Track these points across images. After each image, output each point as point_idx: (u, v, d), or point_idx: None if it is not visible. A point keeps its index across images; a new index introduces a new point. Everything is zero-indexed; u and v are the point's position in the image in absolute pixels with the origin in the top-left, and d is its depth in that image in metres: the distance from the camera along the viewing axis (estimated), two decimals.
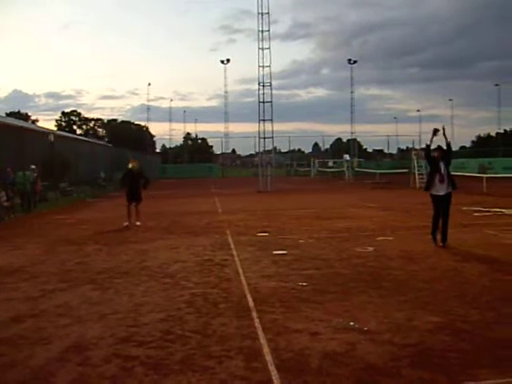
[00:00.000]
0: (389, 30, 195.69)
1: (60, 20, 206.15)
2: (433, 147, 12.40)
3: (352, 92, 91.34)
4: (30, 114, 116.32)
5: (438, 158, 12.12)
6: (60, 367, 5.45)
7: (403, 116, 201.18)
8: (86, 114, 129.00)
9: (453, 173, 12.29)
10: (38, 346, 6.15)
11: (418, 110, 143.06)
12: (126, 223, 17.14)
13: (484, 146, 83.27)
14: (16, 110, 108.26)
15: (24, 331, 6.71)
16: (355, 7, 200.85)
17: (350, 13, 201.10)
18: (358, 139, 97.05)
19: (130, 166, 18.11)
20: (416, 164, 37.54)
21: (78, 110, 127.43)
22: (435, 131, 12.18)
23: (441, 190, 11.99)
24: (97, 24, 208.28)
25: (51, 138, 30.51)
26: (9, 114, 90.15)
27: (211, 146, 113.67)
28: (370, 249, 11.89)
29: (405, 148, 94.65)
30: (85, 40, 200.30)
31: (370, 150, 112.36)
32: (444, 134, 12.25)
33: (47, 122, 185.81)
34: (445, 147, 12.26)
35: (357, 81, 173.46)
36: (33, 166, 24.83)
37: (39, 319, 7.23)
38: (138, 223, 17.39)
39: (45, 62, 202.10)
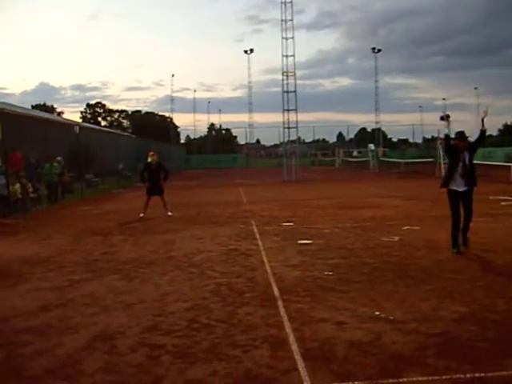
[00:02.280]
0: (415, 18, 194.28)
1: (86, 12, 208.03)
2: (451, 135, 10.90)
3: (376, 81, 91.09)
4: (55, 106, 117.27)
5: (462, 147, 10.27)
6: (87, 356, 5.51)
7: (428, 105, 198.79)
8: (111, 106, 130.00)
9: (478, 162, 11.29)
10: (65, 334, 6.22)
11: (444, 99, 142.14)
12: (141, 214, 17.18)
13: (511, 135, 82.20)
14: (42, 103, 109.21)
15: (52, 320, 6.79)
16: None
17: (375, 1, 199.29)
18: (383, 129, 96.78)
19: (149, 159, 18.13)
20: (441, 153, 37.21)
21: (104, 102, 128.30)
22: (445, 117, 10.97)
23: (461, 185, 10.22)
24: (123, 15, 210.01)
25: (77, 129, 30.68)
26: (34, 107, 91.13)
27: (235, 137, 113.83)
28: (396, 238, 11.83)
29: (430, 137, 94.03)
30: (111, 32, 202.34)
31: (394, 139, 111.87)
32: (483, 119, 10.44)
33: (72, 114, 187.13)
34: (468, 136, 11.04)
35: (382, 70, 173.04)
36: (59, 158, 25.05)
37: (66, 308, 7.32)
38: (169, 213, 17.51)
39: (71, 55, 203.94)
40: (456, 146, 10.31)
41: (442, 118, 11.07)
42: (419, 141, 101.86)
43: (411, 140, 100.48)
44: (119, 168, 39.49)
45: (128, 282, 8.65)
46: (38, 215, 19.68)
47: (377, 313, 6.53)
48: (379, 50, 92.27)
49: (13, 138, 20.33)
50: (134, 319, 6.67)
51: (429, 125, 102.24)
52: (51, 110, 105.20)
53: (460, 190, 10.26)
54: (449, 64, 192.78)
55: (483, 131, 10.53)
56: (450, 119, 11.00)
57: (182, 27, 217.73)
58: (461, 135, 10.29)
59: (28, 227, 16.10)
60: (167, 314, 6.82)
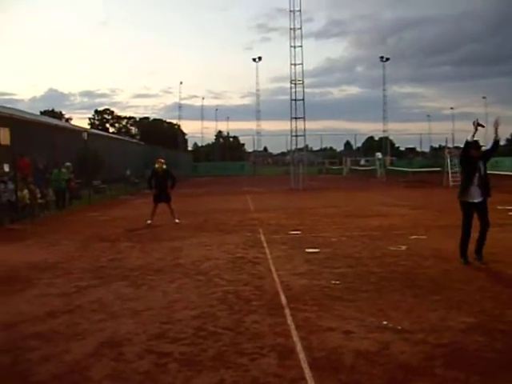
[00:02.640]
0: (423, 27, 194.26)
1: (97, 18, 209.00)
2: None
3: (384, 90, 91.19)
4: (63, 112, 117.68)
5: (477, 156, 9.97)
6: (94, 362, 5.51)
7: (436, 114, 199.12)
8: (119, 113, 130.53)
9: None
10: (72, 340, 6.23)
11: (452, 108, 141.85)
12: (148, 221, 17.20)
13: None
14: (50, 109, 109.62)
15: (59, 326, 6.80)
16: (391, 5, 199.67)
17: (385, 11, 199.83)
18: (391, 137, 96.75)
19: (156, 165, 18.17)
20: (449, 162, 37.17)
21: (112, 109, 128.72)
22: (478, 125, 10.15)
23: (477, 195, 9.90)
24: (133, 22, 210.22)
25: (85, 136, 30.79)
26: (43, 113, 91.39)
27: (243, 144, 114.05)
28: (403, 247, 11.81)
29: (437, 146, 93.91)
30: (121, 39, 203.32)
31: (402, 148, 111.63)
32: (496, 128, 10.15)
33: (81, 120, 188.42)
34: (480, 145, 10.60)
35: (390, 79, 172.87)
36: (68, 164, 25.13)
37: (74, 315, 7.32)
38: (176, 221, 17.48)
39: (81, 61, 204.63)
40: (472, 155, 9.99)
41: (479, 125, 10.24)
42: (427, 150, 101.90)
43: (419, 149, 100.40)
44: (126, 174, 39.57)
45: (135, 289, 8.65)
46: (45, 221, 19.73)
47: (384, 322, 6.51)
48: (387, 59, 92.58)
49: (21, 144, 20.41)
50: (141, 326, 6.66)
51: (436, 134, 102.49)
52: (59, 116, 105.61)
53: (476, 201, 9.94)
54: (457, 73, 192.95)
55: (497, 141, 10.28)
56: (479, 129, 10.17)
57: (191, 35, 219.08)
58: (475, 144, 10.02)
59: (36, 233, 16.14)
60: (174, 322, 6.81)
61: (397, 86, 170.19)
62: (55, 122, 46.68)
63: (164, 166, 18.10)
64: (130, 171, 40.74)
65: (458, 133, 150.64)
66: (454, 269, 9.56)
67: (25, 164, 21.32)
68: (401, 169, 52.17)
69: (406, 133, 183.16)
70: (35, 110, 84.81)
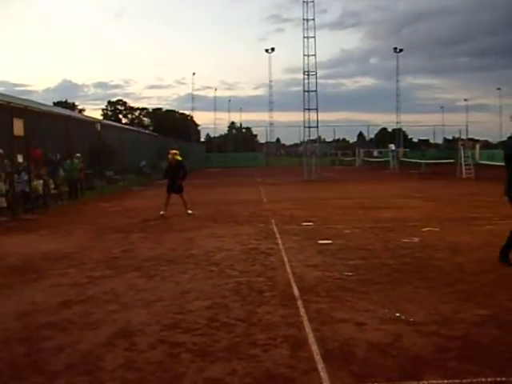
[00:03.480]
0: (439, 18, 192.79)
1: (111, 10, 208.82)
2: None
3: (398, 81, 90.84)
4: (76, 103, 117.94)
5: None
6: (108, 352, 5.54)
7: (450, 105, 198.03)
8: (133, 104, 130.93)
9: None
10: (86, 330, 6.26)
11: (466, 100, 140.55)
12: (162, 212, 17.25)
13: None
14: (63, 100, 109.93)
15: (72, 316, 6.83)
16: None
17: (399, 1, 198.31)
18: (404, 129, 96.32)
19: (170, 156, 18.22)
20: (463, 154, 37.03)
21: (125, 100, 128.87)
22: None
23: None
24: (146, 14, 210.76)
25: (98, 127, 30.84)
26: (56, 104, 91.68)
27: (256, 135, 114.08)
28: (416, 239, 11.77)
29: (451, 138, 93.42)
30: (135, 30, 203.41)
31: (415, 139, 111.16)
32: None
33: (94, 111, 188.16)
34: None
35: (405, 70, 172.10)
36: (78, 154, 25.20)
37: (87, 305, 7.35)
38: (189, 211, 17.50)
39: (94, 53, 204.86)
40: None
41: None
42: (440, 141, 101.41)
43: (432, 141, 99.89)
44: (141, 165, 39.66)
45: (148, 280, 8.68)
46: (58, 211, 19.83)
47: (397, 314, 6.50)
48: (401, 50, 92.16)
49: (35, 135, 20.47)
50: (153, 317, 6.69)
51: (450, 125, 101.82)
52: (72, 107, 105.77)
53: None
54: (471, 64, 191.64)
55: None
56: None
57: (205, 26, 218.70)
58: None
59: (49, 223, 16.23)
60: (187, 312, 6.83)
61: (411, 77, 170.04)
62: (68, 112, 46.77)
63: (178, 157, 18.11)
64: (145, 162, 40.87)
65: (472, 125, 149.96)
66: (467, 261, 9.53)
67: (36, 154, 21.41)
68: (414, 160, 51.92)
69: (419, 124, 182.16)
70: (49, 101, 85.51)
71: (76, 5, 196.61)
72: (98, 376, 4.96)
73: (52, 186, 21.65)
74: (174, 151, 18.43)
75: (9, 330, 6.30)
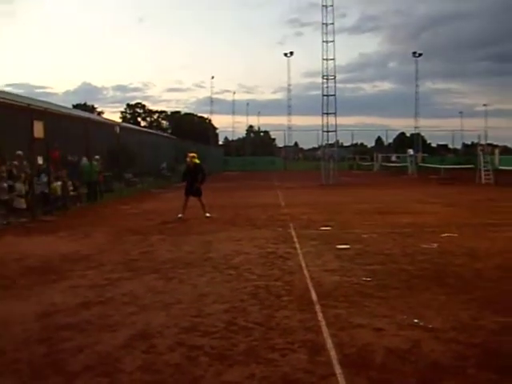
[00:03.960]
0: (458, 22, 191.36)
1: (131, 15, 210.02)
2: None
3: (417, 85, 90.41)
4: (96, 106, 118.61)
5: None
6: (126, 354, 5.57)
7: (469, 110, 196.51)
8: (151, 107, 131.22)
9: None
10: (104, 332, 6.30)
11: (485, 105, 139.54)
12: (180, 215, 17.27)
13: None
14: (83, 102, 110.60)
15: (91, 317, 6.87)
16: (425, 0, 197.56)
17: (419, 5, 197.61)
18: (422, 134, 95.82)
19: (187, 159, 18.27)
20: (482, 159, 36.82)
21: (144, 103, 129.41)
22: None
23: None
24: (166, 18, 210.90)
25: (117, 129, 30.99)
26: (75, 106, 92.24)
27: (274, 139, 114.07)
28: (435, 245, 11.72)
29: (470, 143, 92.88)
30: (154, 34, 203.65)
31: (434, 144, 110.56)
32: None
33: (113, 114, 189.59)
34: None
35: (424, 74, 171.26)
36: (97, 157, 25.34)
37: (106, 306, 7.40)
38: (207, 215, 17.48)
39: (114, 55, 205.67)
40: None
41: None
42: (459, 147, 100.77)
43: (451, 146, 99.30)
44: (162, 167, 39.80)
45: (166, 282, 8.71)
46: (77, 213, 19.95)
47: (416, 320, 6.48)
48: (420, 55, 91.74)
49: (55, 137, 20.62)
50: (172, 319, 6.71)
51: (469, 131, 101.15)
52: (91, 109, 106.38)
53: None
54: (491, 69, 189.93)
55: None
56: None
57: (224, 30, 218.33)
58: None
59: (68, 225, 16.32)
60: (205, 315, 6.84)
61: (430, 82, 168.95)
62: (88, 115, 47.05)
63: (196, 160, 18.16)
64: (165, 164, 41.03)
65: (491, 130, 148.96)
66: (486, 267, 9.47)
67: (55, 156, 21.55)
68: (432, 165, 51.67)
69: (438, 129, 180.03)
70: (68, 104, 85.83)
71: (98, 9, 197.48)
72: (117, 377, 4.99)
73: (71, 188, 21.77)
74: (192, 154, 18.47)
75: (29, 331, 6.35)
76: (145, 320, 6.72)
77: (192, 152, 19.35)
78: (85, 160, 24.55)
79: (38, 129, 18.20)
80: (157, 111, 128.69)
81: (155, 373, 5.07)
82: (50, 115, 21.00)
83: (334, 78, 39.20)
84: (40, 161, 20.01)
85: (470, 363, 5.16)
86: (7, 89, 76.51)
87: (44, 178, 19.30)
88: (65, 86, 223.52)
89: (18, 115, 20.24)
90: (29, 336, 6.17)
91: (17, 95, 34.76)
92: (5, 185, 17.04)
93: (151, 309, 7.24)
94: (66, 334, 6.23)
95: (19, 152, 19.24)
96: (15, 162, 18.74)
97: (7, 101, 22.92)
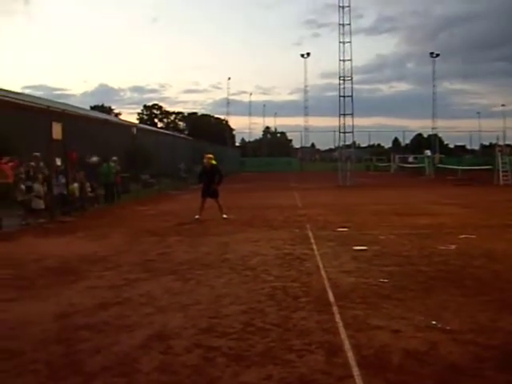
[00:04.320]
0: (476, 22, 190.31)
1: (147, 16, 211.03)
2: None
3: (434, 86, 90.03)
4: (113, 107, 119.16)
5: None
6: (143, 354, 5.58)
7: (487, 111, 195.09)
8: (168, 108, 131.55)
9: None
10: (122, 332, 6.32)
11: (503, 105, 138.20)
12: (197, 216, 17.31)
13: None
14: (100, 104, 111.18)
15: (109, 318, 6.90)
16: (442, 0, 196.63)
17: (436, 6, 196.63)
18: (440, 135, 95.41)
19: (204, 161, 18.32)
20: (500, 160, 36.57)
21: (160, 104, 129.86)
22: None
23: None
24: (182, 19, 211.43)
25: (134, 131, 31.11)
26: (93, 108, 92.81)
27: (290, 140, 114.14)
28: (452, 247, 11.66)
29: (488, 144, 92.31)
30: (171, 35, 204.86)
31: (451, 145, 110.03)
32: None
33: (130, 115, 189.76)
34: None
35: (441, 75, 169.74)
36: (114, 158, 25.45)
37: (123, 307, 7.43)
38: (224, 216, 17.52)
39: (131, 57, 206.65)
40: None
41: None
42: (477, 147, 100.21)
43: (468, 147, 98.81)
44: (180, 167, 39.91)
45: (184, 283, 8.73)
46: (95, 214, 20.09)
47: (433, 322, 6.45)
48: (437, 55, 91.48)
49: (72, 139, 20.73)
50: (189, 320, 6.73)
51: (487, 131, 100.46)
52: (108, 111, 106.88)
53: None
54: (509, 69, 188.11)
55: None
56: None
57: (241, 31, 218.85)
58: None
59: (86, 226, 16.42)
60: (222, 317, 6.85)
61: (448, 83, 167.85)
62: (105, 116, 47.29)
63: (213, 162, 18.20)
64: (184, 165, 41.15)
65: (509, 130, 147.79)
66: (504, 269, 9.40)
67: (73, 158, 21.67)
68: (450, 167, 51.39)
69: (455, 130, 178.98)
70: (86, 105, 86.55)
71: (113, 10, 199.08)
72: (134, 378, 5.00)
73: (89, 189, 21.89)
74: (208, 155, 18.51)
75: (47, 331, 6.40)
76: (162, 321, 6.74)
77: (209, 153, 19.40)
78: (97, 161, 24.65)
79: (57, 130, 18.31)
80: (173, 112, 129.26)
81: (172, 374, 5.08)
82: (67, 117, 21.10)
83: (351, 79, 39.20)
84: (58, 162, 20.13)
85: (488, 365, 5.13)
86: (26, 91, 77.17)
87: (62, 179, 19.41)
88: (82, 88, 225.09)
89: (37, 117, 20.36)
90: (47, 336, 6.21)
91: (35, 97, 35.03)
92: (22, 186, 17.14)
93: (168, 310, 7.26)
94: (83, 334, 6.27)
95: (36, 153, 19.38)
96: (33, 163, 18.87)
97: (26, 103, 23.08)
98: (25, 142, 21.43)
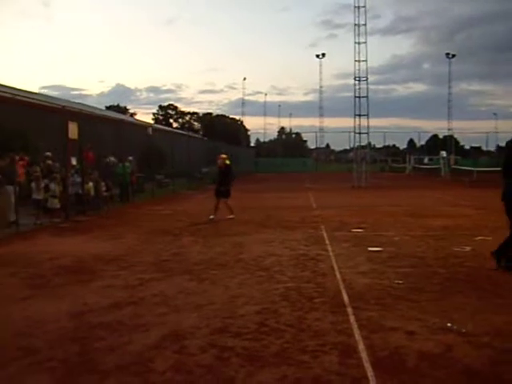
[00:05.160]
0: (493, 23, 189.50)
1: (163, 17, 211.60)
2: None
3: (450, 87, 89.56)
4: (128, 107, 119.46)
5: None
6: (157, 354, 5.60)
7: (504, 112, 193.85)
8: (184, 108, 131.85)
9: None
10: (136, 332, 6.34)
11: None
12: (211, 216, 17.33)
13: None
14: (115, 104, 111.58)
15: (123, 317, 6.93)
16: (460, 1, 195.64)
17: (453, 6, 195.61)
18: (455, 136, 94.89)
19: (218, 161, 18.37)
20: None
21: (176, 104, 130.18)
22: None
23: None
24: (198, 20, 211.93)
25: (149, 131, 31.22)
26: (108, 108, 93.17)
27: (305, 141, 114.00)
28: (468, 248, 11.60)
29: (504, 145, 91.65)
30: (187, 36, 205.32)
31: (467, 147, 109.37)
32: None
33: (145, 115, 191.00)
34: None
35: (458, 76, 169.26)
36: (130, 158, 25.55)
37: (137, 307, 7.45)
38: (229, 216, 17.51)
39: (147, 58, 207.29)
40: None
41: None
42: (493, 149, 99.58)
43: (484, 148, 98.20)
44: (202, 171, 40.11)
45: (198, 283, 8.74)
46: (110, 214, 20.17)
47: (448, 324, 6.42)
48: (453, 56, 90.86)
49: (88, 138, 20.86)
50: (203, 320, 6.73)
51: (503, 132, 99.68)
52: (124, 111, 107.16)
53: None
54: None
55: None
56: None
57: (257, 32, 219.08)
58: None
59: (101, 225, 16.50)
60: (237, 317, 6.85)
61: (465, 84, 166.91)
62: (121, 116, 47.46)
63: (227, 162, 18.23)
64: (204, 167, 41.41)
65: None
66: None
67: (89, 157, 21.80)
68: (466, 168, 51.10)
69: (471, 131, 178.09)
70: (102, 105, 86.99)
71: (130, 11, 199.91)
72: (148, 377, 5.02)
73: (104, 189, 21.98)
74: (223, 156, 18.55)
75: (62, 330, 6.43)
76: (176, 320, 6.75)
77: (223, 153, 19.42)
78: (116, 161, 24.76)
79: (73, 130, 18.40)
80: (188, 113, 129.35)
81: (187, 373, 5.08)
82: (83, 116, 21.21)
83: (366, 80, 39.10)
84: (74, 161, 20.24)
85: (504, 369, 5.10)
86: (43, 91, 77.74)
87: (77, 179, 19.50)
88: (99, 88, 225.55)
89: (53, 117, 20.48)
90: (63, 334, 6.25)
91: (52, 97, 35.22)
92: (35, 185, 17.18)
93: (183, 309, 7.27)
94: (98, 333, 6.30)
95: (47, 153, 19.51)
96: (50, 162, 18.99)
97: (42, 102, 23.23)
98: (41, 141, 21.58)
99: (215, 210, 17.45)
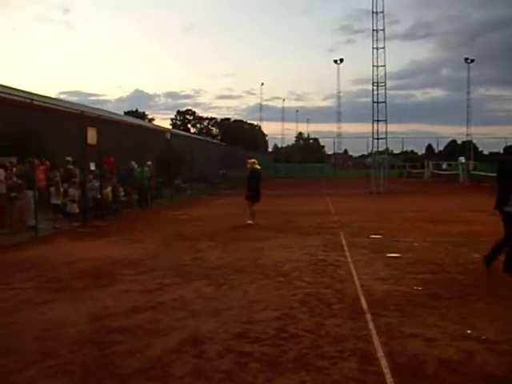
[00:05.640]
0: None
1: (182, 23, 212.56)
2: None
3: (468, 92, 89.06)
4: (147, 112, 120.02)
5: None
6: (176, 359, 5.61)
7: None
8: (202, 114, 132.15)
9: None
10: (155, 336, 6.36)
11: None
12: (249, 221, 17.51)
13: None
14: (134, 109, 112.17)
15: (142, 322, 6.95)
16: (480, 5, 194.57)
17: (472, 12, 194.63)
18: (474, 141, 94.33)
19: (248, 166, 18.47)
20: None
21: (195, 110, 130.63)
22: None
23: None
24: (217, 26, 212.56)
25: (168, 136, 31.35)
26: (127, 113, 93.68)
27: (323, 146, 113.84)
28: None
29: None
30: (205, 41, 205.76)
31: (486, 152, 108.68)
32: None
33: (163, 120, 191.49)
34: None
35: (477, 81, 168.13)
36: (149, 163, 25.65)
37: (156, 311, 7.48)
38: (248, 222, 17.59)
39: (166, 63, 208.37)
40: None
41: None
42: None
43: None
44: (220, 173, 40.15)
45: (216, 288, 8.75)
46: (128, 218, 20.25)
47: (468, 331, 6.37)
48: (472, 61, 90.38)
49: (107, 143, 20.96)
50: (222, 325, 6.74)
51: None
52: (142, 116, 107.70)
53: None
54: None
55: None
56: None
57: (274, 37, 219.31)
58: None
59: (119, 230, 16.57)
60: (255, 322, 6.85)
61: (483, 89, 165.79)
62: (139, 122, 47.69)
63: (257, 166, 18.30)
64: (223, 171, 41.44)
65: None
66: None
67: (109, 162, 21.91)
68: (484, 174, 50.73)
69: (490, 136, 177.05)
70: (121, 111, 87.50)
71: (149, 17, 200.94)
72: (167, 382, 5.04)
73: (122, 194, 22.08)
74: (252, 160, 18.62)
75: (82, 333, 6.47)
76: (195, 325, 6.76)
77: (251, 158, 19.46)
78: (136, 166, 24.87)
79: (92, 135, 18.51)
80: (206, 118, 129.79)
81: (205, 378, 5.09)
82: (102, 122, 21.33)
83: (385, 85, 38.91)
84: (92, 167, 20.36)
85: None
86: (61, 96, 78.25)
87: (96, 184, 19.60)
88: (117, 93, 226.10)
89: (72, 122, 20.61)
90: (82, 338, 6.29)
91: (71, 103, 35.45)
92: (54, 189, 17.29)
93: (201, 314, 7.28)
94: (117, 337, 6.32)
95: (68, 158, 19.62)
96: (71, 167, 19.11)
97: (61, 108, 23.38)
98: (60, 146, 21.71)
99: (252, 214, 17.48)
